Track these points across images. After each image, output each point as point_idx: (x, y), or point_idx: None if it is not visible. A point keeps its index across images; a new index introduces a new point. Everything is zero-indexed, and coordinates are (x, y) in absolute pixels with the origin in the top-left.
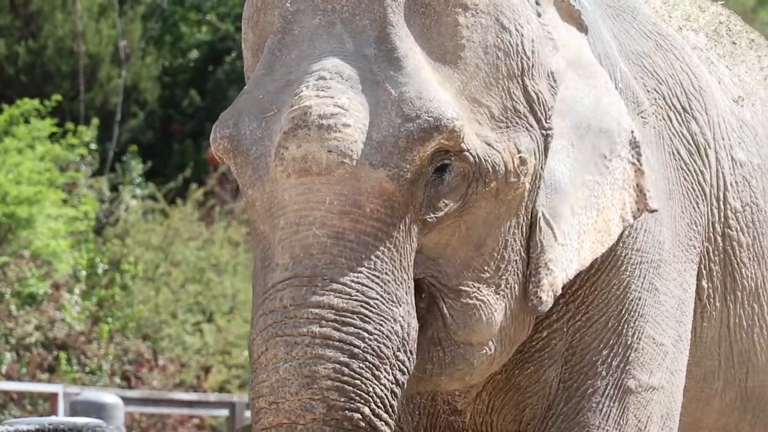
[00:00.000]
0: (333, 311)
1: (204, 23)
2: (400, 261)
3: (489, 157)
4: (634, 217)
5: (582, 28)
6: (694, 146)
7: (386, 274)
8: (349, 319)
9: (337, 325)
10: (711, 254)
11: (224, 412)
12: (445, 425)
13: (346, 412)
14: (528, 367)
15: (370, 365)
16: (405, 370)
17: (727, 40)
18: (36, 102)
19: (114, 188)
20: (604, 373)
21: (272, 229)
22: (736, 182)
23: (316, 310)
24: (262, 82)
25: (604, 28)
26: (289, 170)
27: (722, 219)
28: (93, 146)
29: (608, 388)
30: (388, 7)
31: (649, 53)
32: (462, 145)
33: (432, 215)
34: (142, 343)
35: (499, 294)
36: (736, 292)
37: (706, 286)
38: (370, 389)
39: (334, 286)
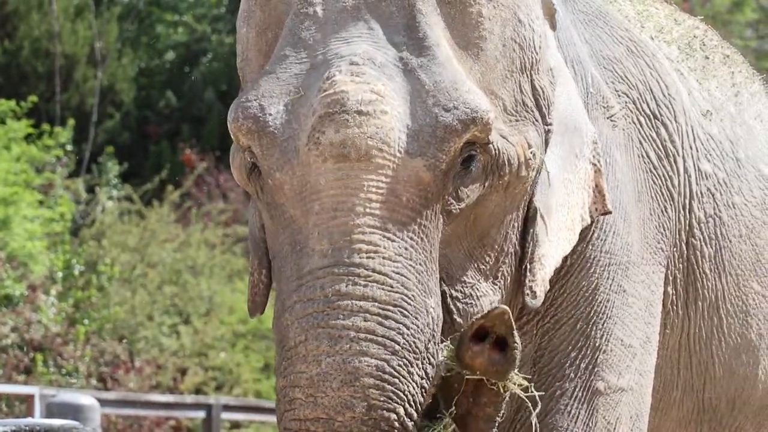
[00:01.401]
0: (377, 304)
1: (180, 24)
2: (431, 251)
3: (506, 150)
4: (592, 218)
5: (553, 26)
6: (663, 151)
7: (420, 264)
8: (391, 313)
9: (380, 318)
10: (676, 261)
11: (201, 414)
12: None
13: (384, 412)
14: None
15: (407, 362)
16: (434, 363)
17: (700, 55)
18: (12, 103)
19: (90, 190)
20: (572, 375)
21: (305, 214)
22: (701, 193)
23: (360, 303)
24: (286, 63)
25: (575, 33)
26: (326, 155)
27: (687, 227)
28: (69, 147)
29: (576, 390)
30: None
31: (621, 58)
32: (489, 137)
33: (456, 206)
34: (119, 344)
35: (495, 285)
36: (698, 302)
37: (670, 291)
38: (405, 388)
39: (377, 276)
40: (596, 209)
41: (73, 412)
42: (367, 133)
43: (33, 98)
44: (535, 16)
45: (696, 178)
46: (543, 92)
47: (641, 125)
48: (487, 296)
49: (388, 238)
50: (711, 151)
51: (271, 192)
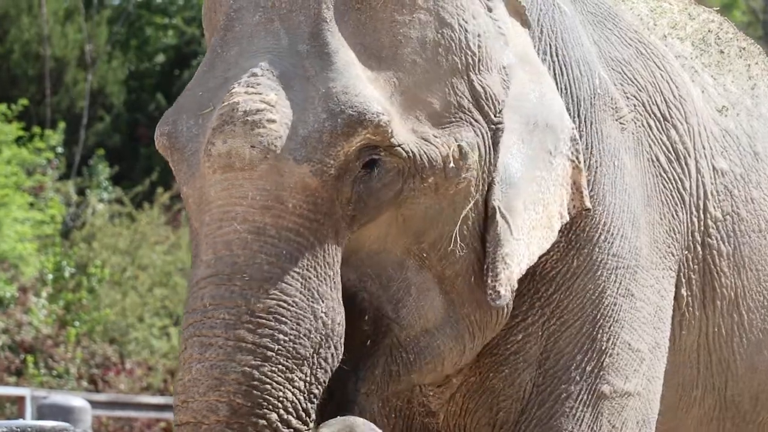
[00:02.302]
0: (249, 312)
1: (170, 27)
2: (324, 257)
3: (426, 152)
4: (570, 215)
5: (525, 23)
6: (673, 154)
7: (307, 270)
8: (264, 320)
9: (251, 327)
10: (690, 262)
11: None
12: (420, 427)
13: (251, 417)
14: (503, 370)
15: (284, 368)
16: (328, 366)
17: (715, 49)
18: (3, 106)
19: (81, 192)
20: (577, 377)
21: (201, 226)
22: (717, 191)
23: (233, 310)
24: (203, 80)
25: (583, 34)
26: (215, 166)
27: (702, 228)
28: (59, 150)
29: (582, 393)
30: (323, 3)
31: (630, 60)
32: (392, 140)
33: (362, 211)
34: (109, 346)
35: (443, 281)
36: (716, 301)
37: (685, 294)
38: (280, 394)
39: (252, 284)
40: (574, 206)
41: (65, 413)
42: (251, 143)
43: (23, 101)
44: (470, 15)
45: (711, 177)
46: (485, 92)
47: (651, 128)
48: (433, 290)
49: (271, 245)
50: (727, 147)
51: (185, 205)
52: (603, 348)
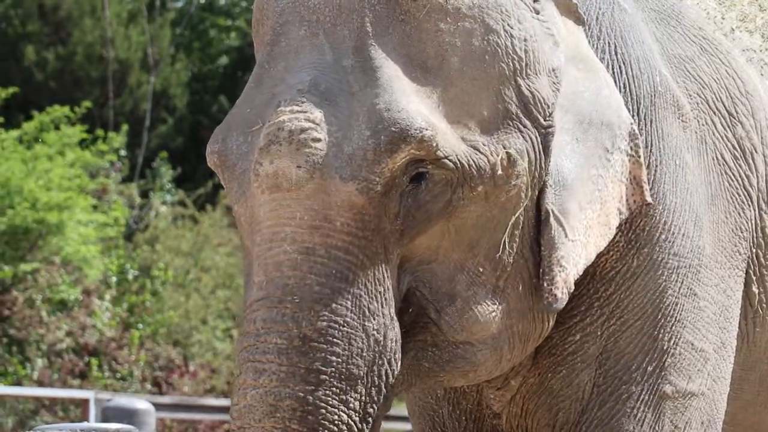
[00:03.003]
0: (300, 336)
1: (233, 29)
2: (374, 273)
3: (474, 161)
4: (631, 210)
5: (579, 20)
6: (739, 150)
7: (358, 287)
8: (315, 343)
9: (304, 350)
10: (762, 259)
11: None
12: (490, 429)
13: None
14: (561, 371)
15: (337, 390)
16: (383, 384)
17: None
18: (66, 109)
19: (144, 194)
20: (639, 378)
21: (252, 246)
22: None
23: (285, 334)
24: (251, 96)
25: (645, 31)
26: (263, 186)
27: None
28: (122, 152)
29: (643, 393)
30: (366, 16)
31: (693, 57)
32: (438, 153)
33: (411, 225)
34: (173, 349)
35: (496, 294)
36: None
37: (757, 291)
38: (335, 417)
39: (303, 305)
40: (634, 201)
41: (129, 416)
42: (297, 162)
43: (87, 104)
44: (515, 20)
45: None
46: (534, 96)
47: (715, 125)
48: (484, 305)
49: (321, 264)
50: None
51: (237, 224)
52: (665, 348)
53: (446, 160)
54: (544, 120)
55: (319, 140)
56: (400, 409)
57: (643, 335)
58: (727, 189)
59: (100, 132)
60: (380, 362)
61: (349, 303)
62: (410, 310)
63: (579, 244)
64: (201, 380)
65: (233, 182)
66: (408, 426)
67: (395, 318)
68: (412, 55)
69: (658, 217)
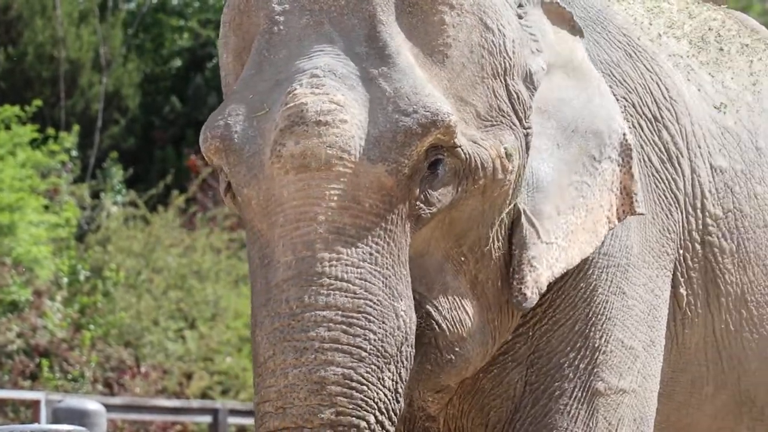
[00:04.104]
0: (340, 312)
1: (186, 30)
2: (399, 255)
3: (479, 154)
4: (619, 219)
5: (575, 30)
6: (665, 154)
7: (387, 269)
8: (355, 320)
9: (345, 326)
10: (689, 262)
11: (207, 419)
12: (421, 430)
13: (353, 419)
14: (492, 370)
15: (376, 368)
16: (408, 365)
17: (714, 47)
18: (16, 108)
19: (95, 195)
20: (571, 375)
21: (270, 227)
22: (716, 189)
23: (324, 312)
24: (252, 82)
25: None
26: (288, 167)
27: (700, 227)
28: (74, 153)
29: (576, 390)
30: (378, 6)
31: (619, 62)
32: (455, 141)
33: (426, 210)
34: (125, 350)
35: (475, 286)
36: (720, 299)
37: (684, 293)
38: (375, 395)
39: (340, 284)
40: (623, 211)
41: (80, 417)
42: (327, 143)
43: (38, 102)
44: (506, 21)
45: (708, 175)
46: (518, 97)
47: (642, 129)
48: (468, 297)
49: (352, 245)
50: (726, 144)
51: (241, 208)
52: (596, 345)
53: (459, 149)
54: (525, 121)
55: (345, 121)
56: None
57: (574, 333)
58: (654, 191)
59: (51, 132)
60: (407, 343)
61: (381, 283)
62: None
63: (556, 248)
64: (152, 381)
65: (241, 165)
66: None
67: (413, 301)
68: (419, 46)
69: None
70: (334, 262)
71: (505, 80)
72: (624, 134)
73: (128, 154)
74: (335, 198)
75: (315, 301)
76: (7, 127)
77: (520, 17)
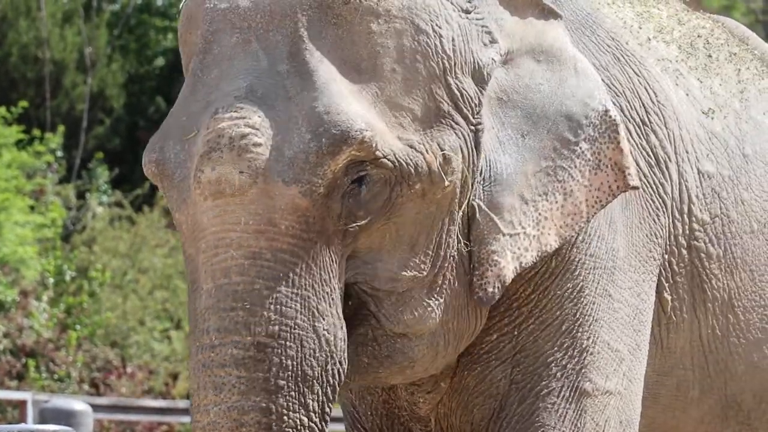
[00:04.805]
0: (254, 344)
1: (170, 30)
2: (320, 274)
3: (411, 159)
4: (614, 196)
5: (545, 13)
6: (653, 159)
7: (306, 289)
8: (270, 349)
9: (260, 357)
10: (675, 266)
11: None
12: (403, 429)
13: None
14: (475, 368)
15: (296, 394)
16: (336, 382)
17: (703, 54)
18: (2, 109)
19: (81, 195)
20: (558, 374)
21: (197, 253)
22: (703, 195)
23: (240, 344)
24: (186, 104)
25: None
26: (206, 193)
27: (687, 232)
28: (59, 153)
29: (563, 389)
30: (299, 21)
31: (607, 66)
32: (377, 153)
33: (354, 224)
34: (111, 350)
35: (434, 290)
36: (707, 304)
37: (669, 297)
38: (298, 422)
39: (254, 311)
40: (618, 187)
41: (66, 417)
42: (240, 168)
43: (23, 104)
44: (443, 20)
45: (695, 180)
46: (462, 94)
47: (630, 133)
48: (420, 300)
49: (268, 269)
50: (714, 150)
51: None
52: (584, 346)
53: (385, 160)
54: (473, 117)
55: (260, 145)
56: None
57: (561, 334)
58: (641, 195)
59: (36, 132)
60: (332, 362)
61: (298, 305)
62: (349, 302)
63: (523, 237)
64: (139, 381)
65: (172, 190)
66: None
67: (342, 317)
68: (346, 58)
69: None
70: (248, 288)
71: (446, 80)
72: (606, 110)
73: (113, 155)
74: (250, 222)
75: (230, 332)
76: None
77: (468, 12)
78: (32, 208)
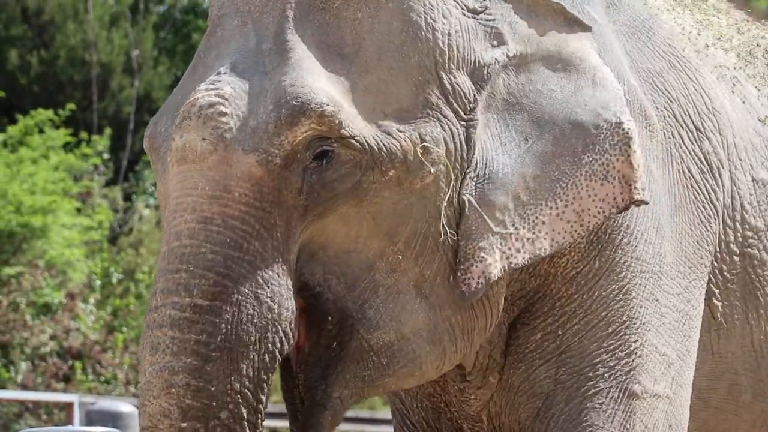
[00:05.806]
0: (191, 305)
1: None
2: (272, 244)
3: (385, 145)
4: (619, 210)
5: (570, 22)
6: (706, 165)
7: (253, 256)
8: (207, 311)
9: (194, 319)
10: (726, 273)
11: None
12: (448, 425)
13: (201, 417)
14: (520, 367)
15: (228, 359)
16: (277, 351)
17: (762, 62)
18: (50, 112)
19: (127, 198)
20: (606, 375)
21: (164, 218)
22: (757, 202)
23: (177, 305)
24: (185, 83)
25: (616, 43)
26: (173, 159)
27: (739, 239)
28: (106, 156)
29: (612, 390)
30: (289, 4)
31: (662, 72)
32: (342, 131)
33: (316, 201)
34: None
35: (421, 284)
36: (759, 310)
37: (719, 303)
38: (228, 388)
39: (196, 273)
40: (623, 200)
41: (113, 419)
42: (203, 135)
43: (71, 106)
44: (440, 14)
45: (749, 188)
46: (454, 90)
47: (682, 139)
48: (408, 293)
49: (216, 233)
50: None
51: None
52: (632, 348)
53: (352, 140)
54: (465, 114)
55: (225, 114)
56: (385, 411)
57: (608, 335)
58: (692, 202)
59: (84, 135)
60: (273, 330)
61: (243, 270)
62: (330, 317)
63: (516, 238)
64: None
65: (158, 162)
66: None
67: (291, 289)
68: (330, 42)
69: (620, 221)
70: (195, 251)
71: (437, 73)
72: (620, 122)
73: None
74: (206, 188)
75: (171, 293)
76: (41, 131)
77: (476, 12)
78: (79, 210)
